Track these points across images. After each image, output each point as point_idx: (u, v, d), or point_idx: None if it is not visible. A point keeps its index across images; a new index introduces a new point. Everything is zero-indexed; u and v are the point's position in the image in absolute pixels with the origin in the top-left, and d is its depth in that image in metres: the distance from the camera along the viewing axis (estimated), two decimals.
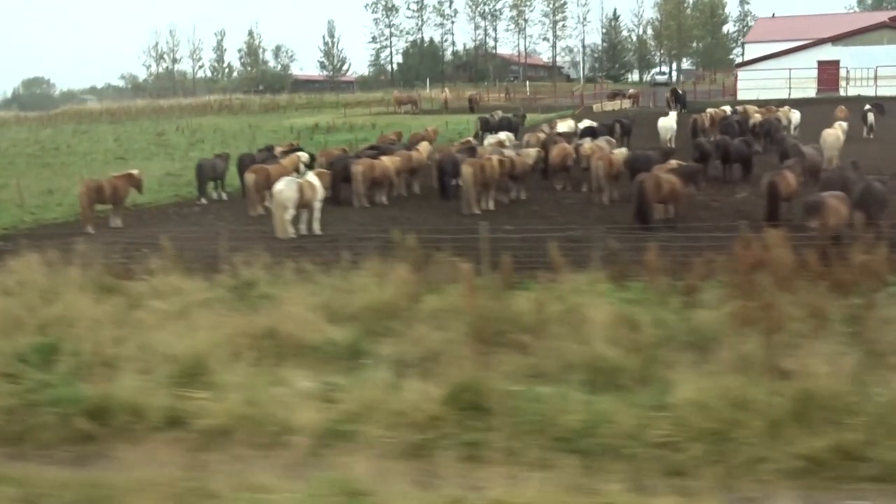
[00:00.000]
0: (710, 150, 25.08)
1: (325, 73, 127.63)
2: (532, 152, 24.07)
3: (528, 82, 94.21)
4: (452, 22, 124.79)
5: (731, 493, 6.95)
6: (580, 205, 22.25)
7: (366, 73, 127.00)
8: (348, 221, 20.23)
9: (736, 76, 59.32)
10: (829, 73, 54.61)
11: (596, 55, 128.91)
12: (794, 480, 7.30)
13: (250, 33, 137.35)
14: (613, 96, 60.16)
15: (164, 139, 51.26)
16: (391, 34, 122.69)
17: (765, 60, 57.46)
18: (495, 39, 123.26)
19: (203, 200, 24.60)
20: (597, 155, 22.73)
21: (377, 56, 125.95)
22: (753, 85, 55.36)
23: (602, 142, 26.64)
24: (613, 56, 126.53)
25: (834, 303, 10.73)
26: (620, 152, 23.31)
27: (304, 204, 18.71)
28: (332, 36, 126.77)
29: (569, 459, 7.72)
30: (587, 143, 24.97)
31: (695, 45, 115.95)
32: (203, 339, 9.66)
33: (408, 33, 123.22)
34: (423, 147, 25.98)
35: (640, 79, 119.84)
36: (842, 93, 53.94)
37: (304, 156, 23.71)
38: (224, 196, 25.09)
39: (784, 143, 24.98)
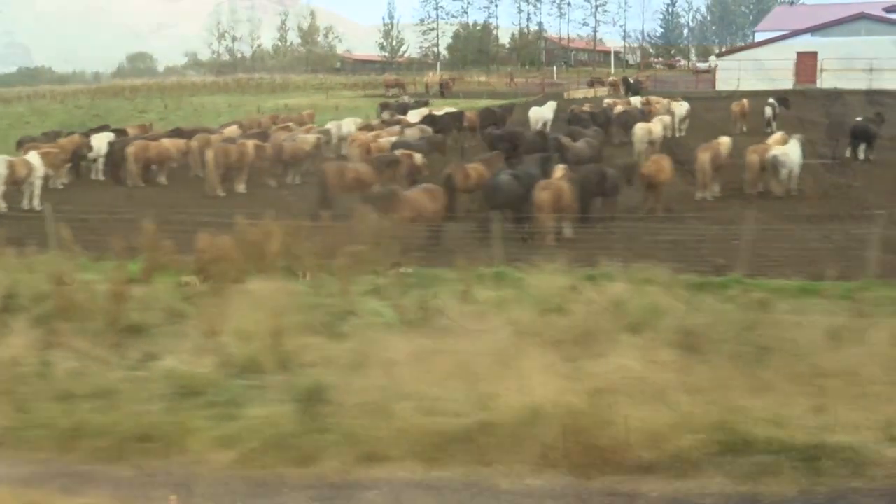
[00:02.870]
0: (499, 141, 25.08)
1: (383, 54, 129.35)
2: (310, 138, 24.61)
3: (554, 68, 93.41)
4: (496, 6, 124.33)
5: None
6: None
7: (415, 56, 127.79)
8: (85, 202, 21.25)
9: (715, 66, 57.40)
10: (806, 64, 52.31)
11: (651, 40, 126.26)
12: None
13: (312, 13, 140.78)
14: (592, 84, 59.25)
15: (140, 115, 53.54)
16: (437, 16, 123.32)
17: (744, 50, 55.44)
18: (538, 24, 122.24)
19: None
20: (357, 142, 23.19)
21: (425, 38, 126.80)
22: (732, 76, 53.65)
23: (415, 131, 26.96)
24: (669, 41, 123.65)
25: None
26: (387, 140, 23.67)
27: (16, 181, 19.91)
28: (391, 17, 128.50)
29: None
30: (375, 133, 25.36)
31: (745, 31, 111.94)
32: None
33: (453, 16, 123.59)
34: (230, 130, 26.81)
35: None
36: (819, 84, 51.78)
37: (93, 137, 24.53)
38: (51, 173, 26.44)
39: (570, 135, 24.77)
